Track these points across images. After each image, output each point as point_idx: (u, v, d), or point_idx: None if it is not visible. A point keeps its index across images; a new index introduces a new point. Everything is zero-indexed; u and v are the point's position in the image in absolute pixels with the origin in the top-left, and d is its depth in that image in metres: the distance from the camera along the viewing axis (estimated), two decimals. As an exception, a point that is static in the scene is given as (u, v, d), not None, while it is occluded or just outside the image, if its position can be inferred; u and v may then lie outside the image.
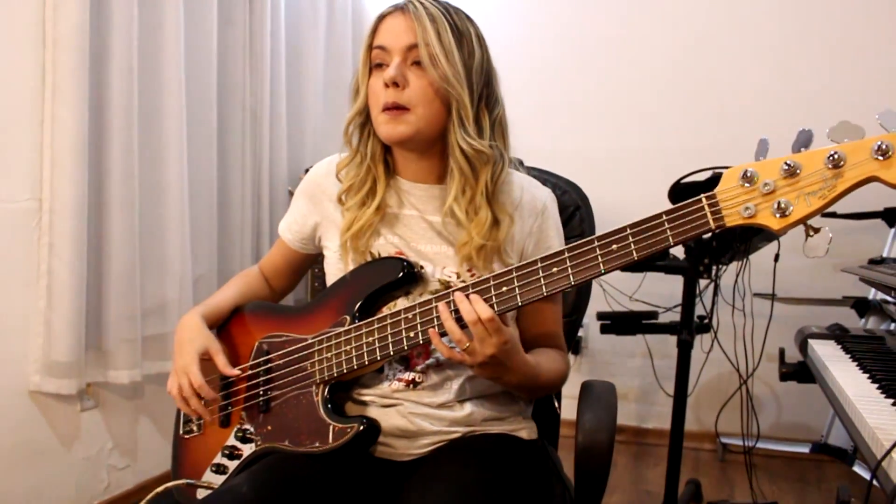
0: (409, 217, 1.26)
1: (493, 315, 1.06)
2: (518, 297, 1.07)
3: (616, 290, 2.85)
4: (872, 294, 2.59)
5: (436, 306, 1.11)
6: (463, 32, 1.19)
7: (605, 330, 2.47)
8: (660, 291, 2.76)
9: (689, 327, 2.22)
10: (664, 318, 2.48)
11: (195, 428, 1.35)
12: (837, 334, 1.72)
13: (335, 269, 1.30)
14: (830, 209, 2.80)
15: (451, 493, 1.05)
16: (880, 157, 0.88)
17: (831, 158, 0.90)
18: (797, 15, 2.99)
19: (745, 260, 2.36)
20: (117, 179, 2.22)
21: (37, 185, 2.05)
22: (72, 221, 2.06)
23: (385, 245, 1.26)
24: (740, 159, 1.01)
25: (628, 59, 3.18)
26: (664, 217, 0.98)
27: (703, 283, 2.37)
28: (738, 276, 2.39)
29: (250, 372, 1.29)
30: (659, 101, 3.12)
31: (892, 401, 1.19)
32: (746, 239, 2.12)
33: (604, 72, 3.21)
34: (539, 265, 1.06)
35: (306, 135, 3.14)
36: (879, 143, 0.88)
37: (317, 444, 1.17)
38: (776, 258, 2.29)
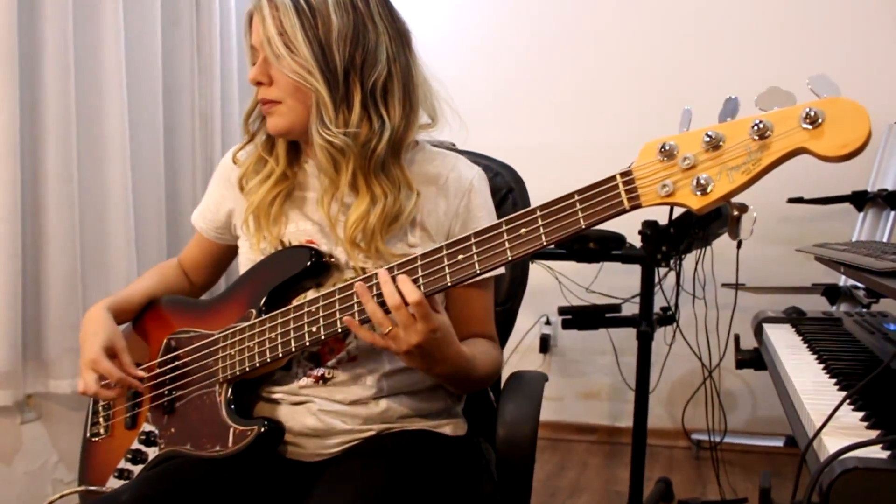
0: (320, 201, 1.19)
1: (422, 298, 0.96)
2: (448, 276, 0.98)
3: (572, 282, 2.77)
4: (843, 280, 2.53)
5: (354, 290, 1.02)
6: (316, 7, 1.08)
7: (567, 325, 2.39)
8: (618, 283, 2.68)
9: (648, 318, 2.15)
10: (628, 311, 2.40)
11: (102, 430, 1.28)
12: (793, 318, 1.64)
13: (246, 259, 1.23)
14: (795, 195, 2.72)
15: (352, 497, 0.97)
16: (809, 126, 0.79)
17: (756, 128, 0.81)
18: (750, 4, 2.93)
19: (703, 248, 2.29)
20: (54, 182, 2.15)
21: (-36, 188, 1.96)
22: (4, 226, 1.98)
23: (296, 233, 1.19)
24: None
25: (584, 53, 3.11)
26: (576, 197, 0.90)
27: (664, 272, 2.30)
28: (697, 264, 2.32)
29: (157, 370, 1.22)
30: (610, 95, 3.04)
31: (834, 380, 1.12)
32: (704, 225, 2.05)
33: (557, 66, 3.13)
34: (444, 252, 0.98)
35: (262, 136, 3.07)
36: (808, 109, 0.79)
37: (217, 448, 1.10)
38: (739, 245, 2.21)
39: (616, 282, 2.70)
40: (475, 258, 0.96)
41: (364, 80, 1.10)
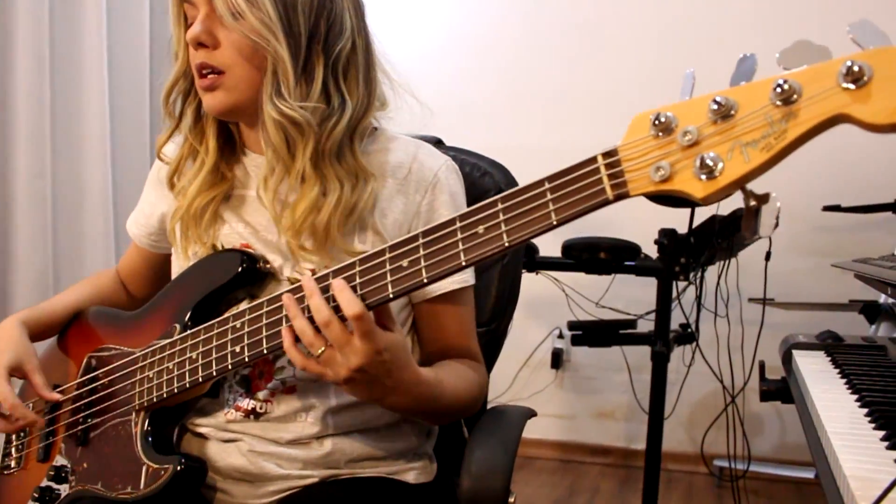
0: (257, 199, 1.01)
1: (363, 311, 0.78)
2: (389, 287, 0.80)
3: (581, 295, 2.56)
4: (884, 298, 2.30)
5: (283, 298, 0.84)
6: None
7: (577, 341, 2.20)
8: (632, 296, 2.47)
9: (664, 337, 1.94)
10: (643, 327, 2.20)
11: (13, 463, 1.10)
12: (828, 345, 1.43)
13: (177, 265, 1.05)
14: (832, 202, 2.49)
15: None
16: (851, 86, 0.59)
17: (779, 91, 0.61)
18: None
19: (728, 259, 2.08)
20: (24, 177, 2.04)
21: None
22: (-33, 222, 1.86)
23: (230, 235, 1.01)
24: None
25: (584, 51, 2.90)
26: (546, 185, 0.71)
27: (683, 286, 2.09)
28: (720, 277, 2.11)
29: (75, 393, 1.04)
30: (613, 94, 2.81)
31: (882, 433, 0.90)
32: (729, 234, 1.85)
33: (556, 64, 2.93)
34: (387, 255, 0.79)
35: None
36: (849, 63, 0.59)
37: (129, 490, 0.92)
38: (767, 256, 2.01)
39: (631, 295, 2.50)
40: (422, 263, 0.77)
41: (328, 51, 0.94)
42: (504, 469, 0.90)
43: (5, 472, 1.11)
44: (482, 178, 1.26)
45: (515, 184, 1.30)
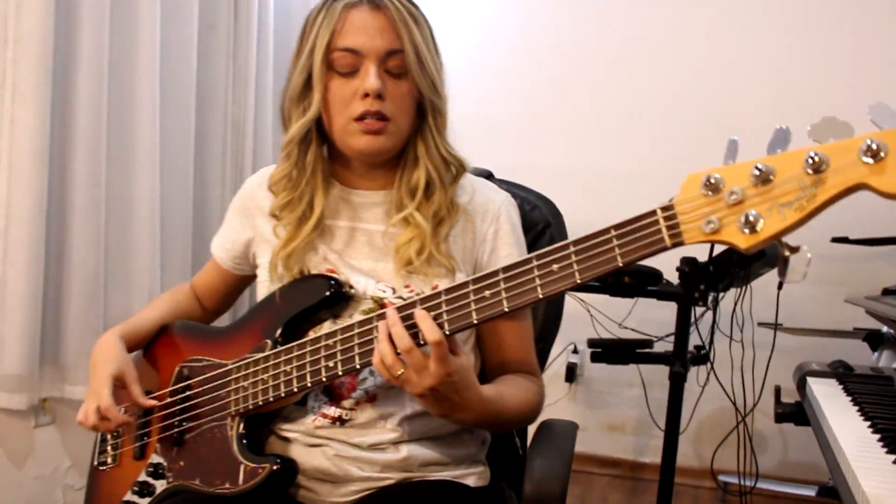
0: (346, 229, 1.14)
1: (442, 339, 0.90)
2: (473, 314, 0.92)
3: (605, 315, 2.68)
4: (886, 328, 2.41)
5: (376, 325, 0.96)
6: (432, 30, 1.11)
7: (595, 358, 2.32)
8: (652, 319, 2.59)
9: (682, 358, 2.06)
10: (659, 348, 2.31)
11: (110, 459, 1.22)
12: (840, 373, 1.55)
13: (266, 288, 1.17)
14: (840, 234, 2.60)
15: None
16: (870, 160, 0.73)
17: (811, 161, 0.75)
18: (796, 27, 2.82)
19: (744, 287, 2.20)
20: (81, 186, 2.12)
21: (-9, 189, 1.94)
22: (28, 228, 1.95)
23: (318, 262, 1.13)
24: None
25: (622, 78, 3.00)
26: (612, 233, 0.84)
27: (700, 310, 2.21)
28: (736, 303, 2.23)
29: (168, 399, 1.16)
30: (650, 122, 2.93)
31: (893, 457, 1.02)
32: (746, 264, 1.96)
33: (595, 88, 3.03)
34: (470, 287, 0.92)
35: (294, 146, 3.03)
36: (868, 142, 0.73)
37: (227, 486, 1.04)
38: (780, 286, 2.13)
39: (649, 315, 2.61)
40: (503, 294, 0.90)
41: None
42: (562, 476, 1.02)
43: (100, 468, 1.23)
44: (532, 211, 1.38)
45: (560, 217, 1.43)
